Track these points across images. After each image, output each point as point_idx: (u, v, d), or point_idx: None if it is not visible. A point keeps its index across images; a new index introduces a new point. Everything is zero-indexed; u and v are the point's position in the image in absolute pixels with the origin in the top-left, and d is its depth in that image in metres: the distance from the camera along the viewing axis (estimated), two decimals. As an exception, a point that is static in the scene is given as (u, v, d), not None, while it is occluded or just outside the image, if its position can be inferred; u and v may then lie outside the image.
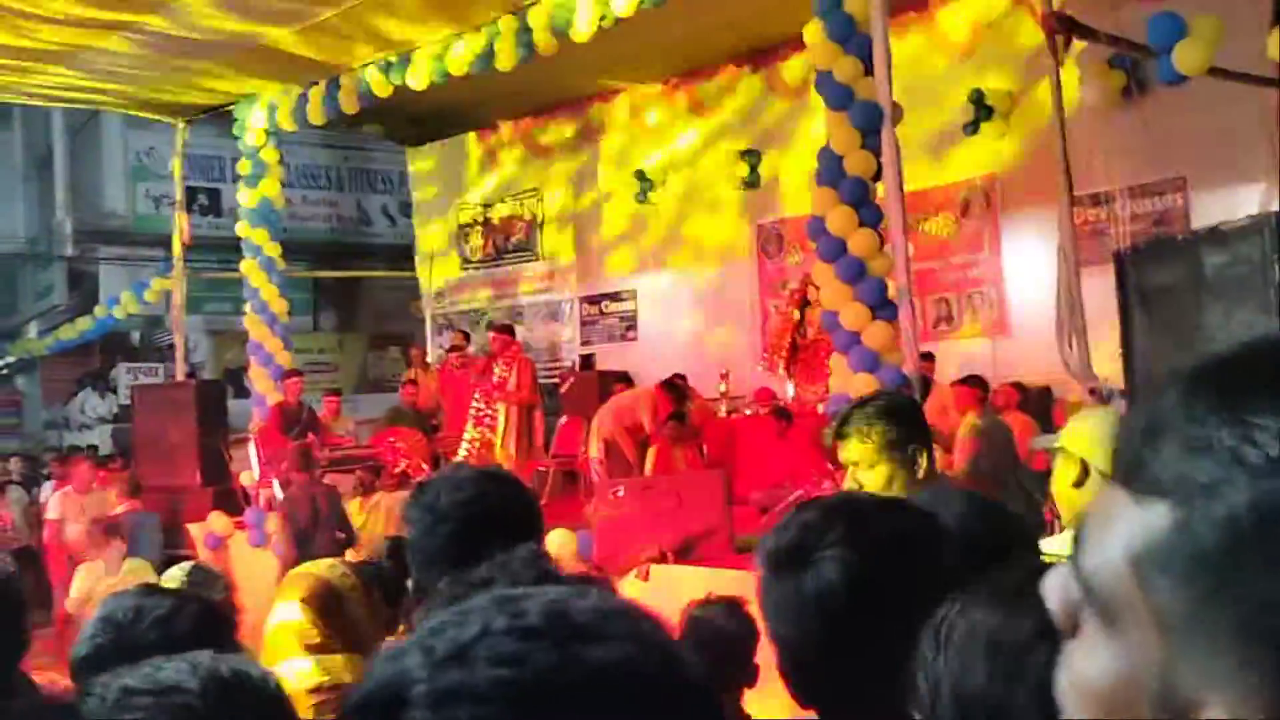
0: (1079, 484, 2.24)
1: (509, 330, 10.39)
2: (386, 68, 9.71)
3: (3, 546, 9.74)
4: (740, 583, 5.56)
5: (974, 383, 7.92)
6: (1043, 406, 8.59)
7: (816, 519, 1.24)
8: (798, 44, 9.84)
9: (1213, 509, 0.50)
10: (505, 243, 14.04)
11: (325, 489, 8.40)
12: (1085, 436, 2.26)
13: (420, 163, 14.99)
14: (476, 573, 1.51)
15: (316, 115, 10.35)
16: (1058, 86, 5.91)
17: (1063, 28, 5.73)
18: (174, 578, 3.28)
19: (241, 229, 11.33)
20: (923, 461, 2.55)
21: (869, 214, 6.59)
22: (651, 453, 9.35)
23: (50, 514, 9.93)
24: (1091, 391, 5.49)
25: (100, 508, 9.26)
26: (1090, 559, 0.55)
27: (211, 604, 1.96)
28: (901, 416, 2.62)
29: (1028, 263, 9.23)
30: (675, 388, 9.91)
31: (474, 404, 9.77)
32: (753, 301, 11.55)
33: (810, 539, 1.21)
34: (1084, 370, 5.71)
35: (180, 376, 11.77)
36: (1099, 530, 0.55)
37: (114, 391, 17.27)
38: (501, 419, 9.64)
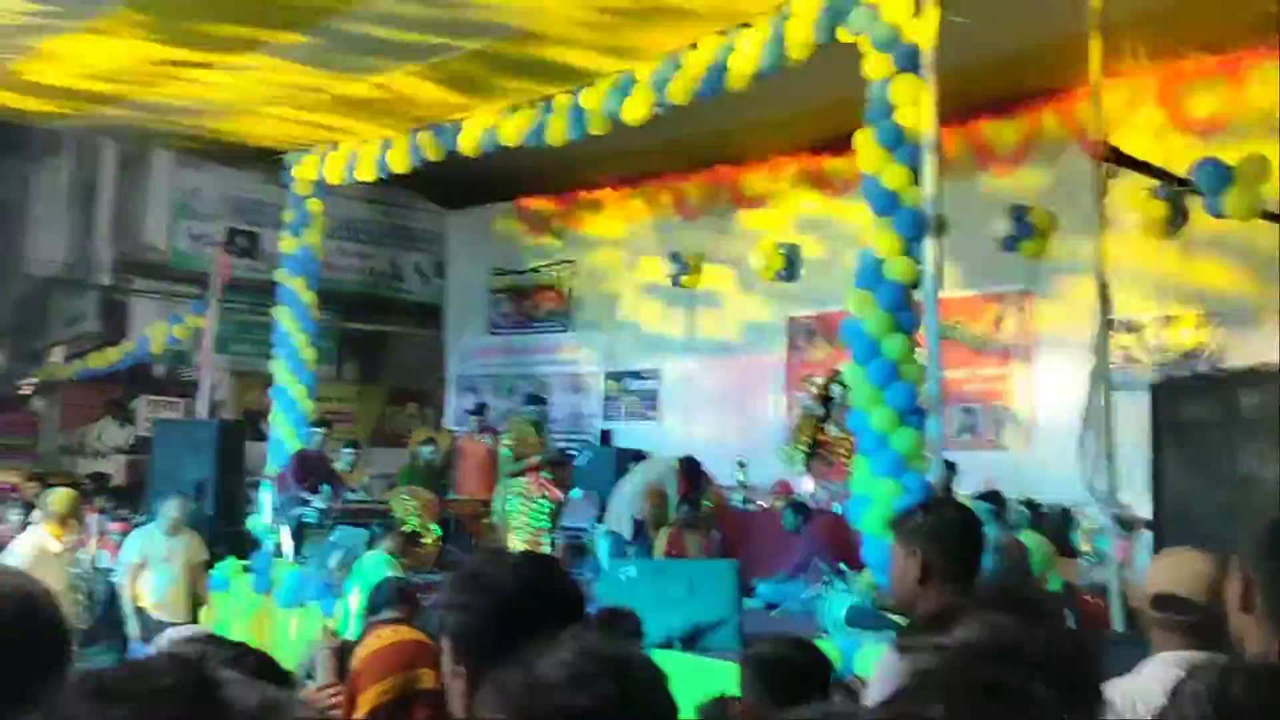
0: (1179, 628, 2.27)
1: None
2: (439, 132, 9.91)
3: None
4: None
5: (992, 499, 7.91)
6: (1059, 527, 8.55)
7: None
8: (844, 143, 10.04)
9: None
10: (535, 311, 14.16)
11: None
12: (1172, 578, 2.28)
13: (459, 225, 15.19)
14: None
15: (366, 172, 10.54)
16: (1100, 214, 5.98)
17: (1110, 157, 5.83)
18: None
19: (280, 275, 11.47)
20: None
21: (905, 319, 6.65)
22: (664, 535, 9.32)
23: (130, 555, 8.40)
24: (1116, 519, 5.48)
25: (193, 553, 8.47)
26: None
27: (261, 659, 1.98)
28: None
29: (1056, 381, 9.25)
30: (695, 469, 9.93)
31: (525, 496, 9.80)
32: (778, 393, 11.58)
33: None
34: (1108, 496, 5.70)
35: (204, 414, 11.83)
36: None
37: (132, 422, 17.31)
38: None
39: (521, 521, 9.83)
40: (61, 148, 19.75)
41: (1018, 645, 1.15)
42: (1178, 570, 2.28)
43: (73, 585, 7.36)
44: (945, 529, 2.49)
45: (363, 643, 4.27)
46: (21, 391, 18.71)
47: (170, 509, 8.38)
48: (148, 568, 8.23)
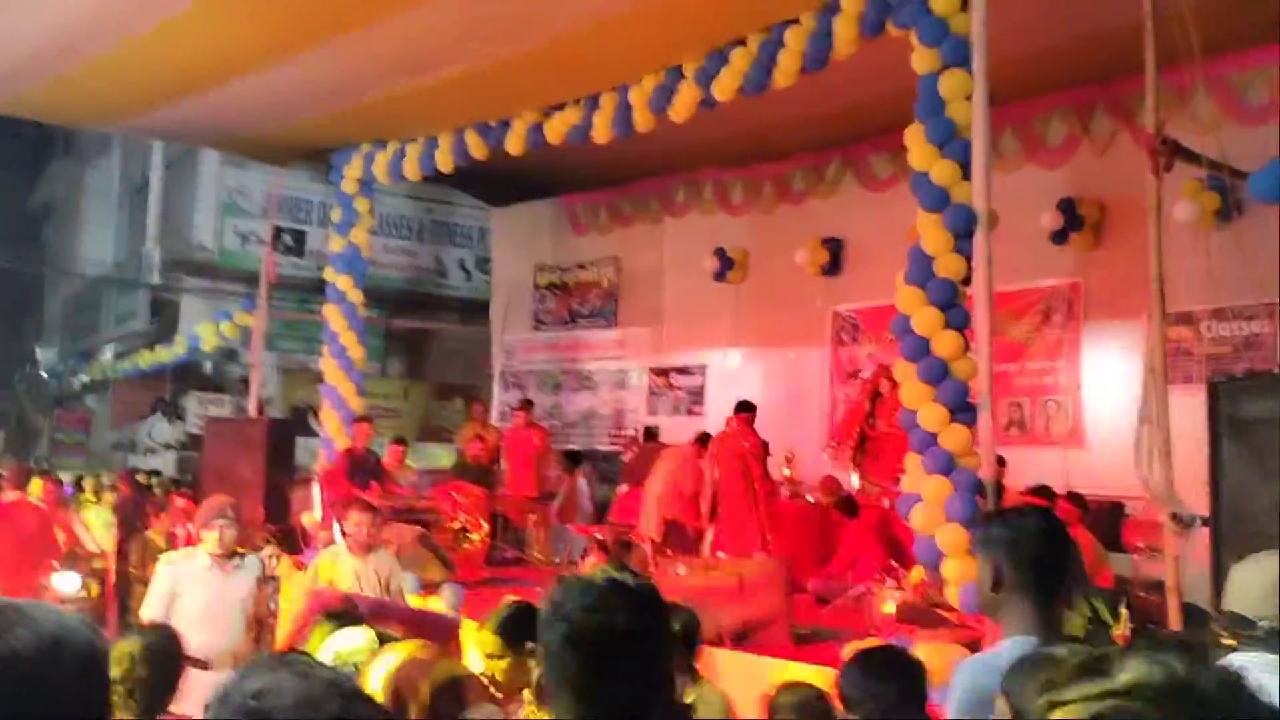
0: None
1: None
2: (485, 131, 9.95)
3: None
4: (803, 675, 5.51)
5: (1042, 494, 7.83)
6: (1111, 523, 8.46)
7: None
8: (889, 138, 9.97)
9: None
10: (580, 307, 14.20)
11: None
12: (1252, 594, 2.27)
13: (503, 221, 15.25)
14: None
15: (413, 171, 10.60)
16: (1157, 207, 5.89)
17: (1166, 150, 5.74)
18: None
19: (328, 274, 11.57)
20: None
21: (955, 316, 6.60)
22: (710, 532, 9.32)
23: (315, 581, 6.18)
24: (1173, 516, 5.41)
25: (398, 575, 6.34)
26: None
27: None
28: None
29: (1106, 374, 9.16)
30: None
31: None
32: (823, 388, 11.55)
33: None
34: (1165, 493, 5.63)
35: (253, 412, 11.97)
36: None
37: (181, 419, 17.57)
38: None
39: None
40: (111, 150, 20.09)
41: (1192, 682, 1.11)
42: (1251, 589, 2.27)
43: None
44: (1023, 538, 2.46)
45: None
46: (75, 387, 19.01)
47: (358, 521, 6.24)
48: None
